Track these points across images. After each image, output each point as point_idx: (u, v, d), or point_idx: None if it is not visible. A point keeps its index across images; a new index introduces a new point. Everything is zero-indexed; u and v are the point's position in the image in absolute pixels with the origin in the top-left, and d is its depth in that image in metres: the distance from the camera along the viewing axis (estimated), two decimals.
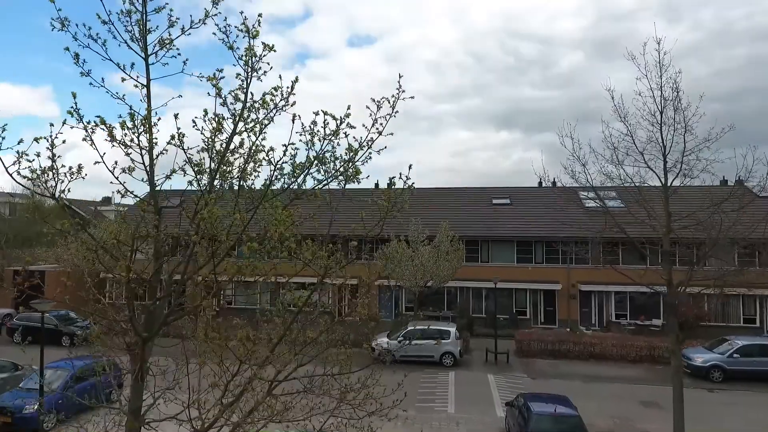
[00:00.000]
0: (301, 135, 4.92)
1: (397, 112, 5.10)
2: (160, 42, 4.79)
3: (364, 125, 5.21)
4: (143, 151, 4.29)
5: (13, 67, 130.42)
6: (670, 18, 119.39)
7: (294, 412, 5.04)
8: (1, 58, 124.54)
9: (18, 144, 3.77)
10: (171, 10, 4.75)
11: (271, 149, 4.37)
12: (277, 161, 4.16)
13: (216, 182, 4.26)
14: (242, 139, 4.37)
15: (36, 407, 16.08)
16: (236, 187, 4.28)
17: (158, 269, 4.26)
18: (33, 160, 3.95)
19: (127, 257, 4.09)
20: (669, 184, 14.65)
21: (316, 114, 4.63)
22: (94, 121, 4.07)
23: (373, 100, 5.16)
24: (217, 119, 4.30)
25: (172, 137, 4.22)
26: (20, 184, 4.01)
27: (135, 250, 4.13)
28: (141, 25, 4.71)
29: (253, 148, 4.33)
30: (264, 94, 4.45)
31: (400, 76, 5.03)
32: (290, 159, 4.29)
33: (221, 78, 4.39)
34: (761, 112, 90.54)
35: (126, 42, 4.62)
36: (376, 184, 43.35)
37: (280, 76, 4.91)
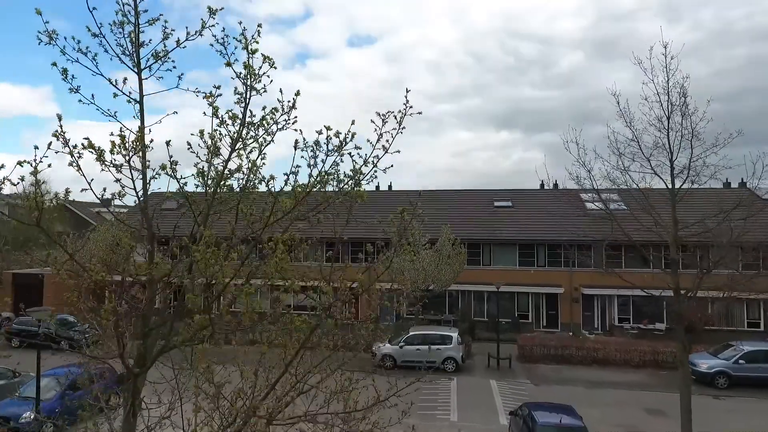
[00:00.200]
0: (303, 150, 4.68)
1: (404, 128, 4.85)
2: (155, 55, 4.54)
3: (369, 141, 4.95)
4: (136, 174, 4.03)
5: (13, 67, 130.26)
6: (670, 18, 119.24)
7: None
8: (1, 58, 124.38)
9: (0, 168, 3.52)
10: (166, 21, 4.50)
11: (272, 178, 4.11)
12: (277, 192, 3.89)
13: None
14: (240, 162, 4.11)
15: (33, 416, 15.85)
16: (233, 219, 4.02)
17: (152, 299, 4.01)
18: (17, 183, 3.71)
19: (113, 299, 3.84)
20: (676, 192, 14.40)
21: (319, 133, 4.37)
22: (82, 144, 3.82)
23: (379, 114, 4.91)
24: (213, 142, 4.04)
25: (163, 167, 3.96)
26: (2, 213, 3.74)
27: (123, 294, 3.88)
28: (134, 37, 4.46)
29: (251, 174, 4.06)
30: (264, 116, 4.19)
31: (407, 91, 4.78)
32: (292, 185, 4.02)
33: (218, 96, 4.13)
34: (761, 112, 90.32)
35: (118, 56, 4.37)
36: (377, 186, 43.21)
37: (280, 90, 4.66)
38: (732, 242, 13.40)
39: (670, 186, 14.50)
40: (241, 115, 4.16)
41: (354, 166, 4.42)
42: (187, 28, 4.66)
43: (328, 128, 4.67)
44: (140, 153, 4.05)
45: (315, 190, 4.34)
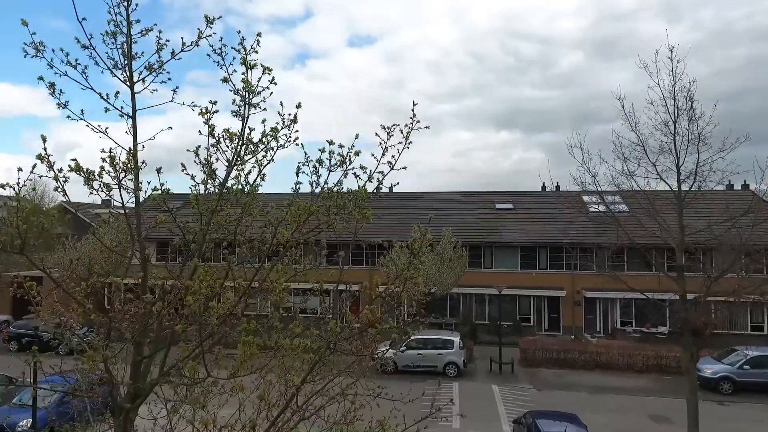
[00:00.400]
0: (304, 165, 4.46)
1: (410, 143, 4.63)
2: (148, 67, 4.30)
3: (373, 155, 4.74)
4: (128, 196, 3.80)
5: (13, 67, 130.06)
6: (670, 18, 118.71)
7: None
8: (1, 58, 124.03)
9: None
10: (160, 32, 4.27)
11: (272, 207, 3.87)
12: (277, 224, 3.66)
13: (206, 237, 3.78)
14: (238, 183, 3.88)
15: (29, 423, 15.65)
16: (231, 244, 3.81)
17: (144, 327, 3.79)
18: (1, 206, 3.49)
19: (102, 341, 3.61)
20: (683, 197, 14.18)
21: (322, 151, 4.14)
22: (69, 166, 3.59)
23: (383, 128, 4.69)
24: (208, 165, 3.81)
25: (154, 200, 3.73)
26: None
27: (110, 329, 3.66)
28: (126, 49, 4.22)
29: (251, 200, 3.83)
30: (264, 132, 3.95)
31: (414, 104, 4.55)
32: (294, 212, 3.78)
33: (215, 112, 3.90)
34: (761, 112, 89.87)
35: (110, 69, 4.14)
36: (378, 188, 43.01)
37: (281, 103, 4.44)
38: (740, 248, 13.17)
39: (676, 191, 14.29)
40: (239, 134, 3.93)
41: (358, 184, 4.19)
42: (182, 38, 4.42)
43: (330, 143, 4.46)
44: (132, 173, 3.81)
45: (315, 212, 4.10)
